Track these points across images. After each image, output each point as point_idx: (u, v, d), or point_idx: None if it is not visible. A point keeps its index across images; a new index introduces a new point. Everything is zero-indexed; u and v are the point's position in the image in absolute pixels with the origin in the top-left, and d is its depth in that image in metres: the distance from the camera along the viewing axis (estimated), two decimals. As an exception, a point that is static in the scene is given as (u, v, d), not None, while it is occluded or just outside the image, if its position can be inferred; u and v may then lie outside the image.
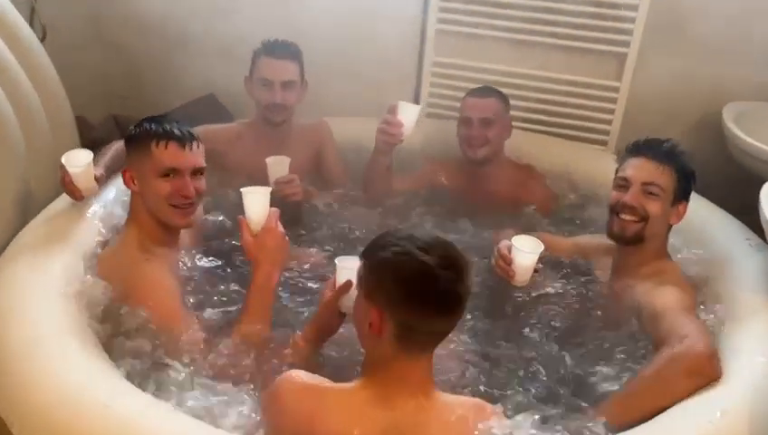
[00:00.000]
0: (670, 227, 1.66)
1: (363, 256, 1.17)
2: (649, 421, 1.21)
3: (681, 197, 1.64)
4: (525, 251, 1.59)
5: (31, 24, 2.50)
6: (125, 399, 1.15)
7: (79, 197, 1.70)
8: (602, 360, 1.48)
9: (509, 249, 1.62)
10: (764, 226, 1.51)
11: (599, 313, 1.67)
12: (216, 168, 2.05)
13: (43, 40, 2.55)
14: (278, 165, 1.89)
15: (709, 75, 2.34)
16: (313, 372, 1.20)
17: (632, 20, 2.32)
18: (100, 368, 1.23)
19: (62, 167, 1.68)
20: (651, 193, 1.61)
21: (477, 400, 1.25)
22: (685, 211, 1.65)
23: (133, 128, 1.57)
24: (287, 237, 1.46)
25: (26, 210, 2.04)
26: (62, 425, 1.10)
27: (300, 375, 1.18)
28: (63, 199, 1.76)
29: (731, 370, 1.27)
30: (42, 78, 2.20)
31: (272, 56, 2.00)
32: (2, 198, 1.96)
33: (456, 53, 2.56)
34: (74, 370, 1.20)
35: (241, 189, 1.46)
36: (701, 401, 1.21)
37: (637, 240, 1.63)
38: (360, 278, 1.17)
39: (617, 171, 1.70)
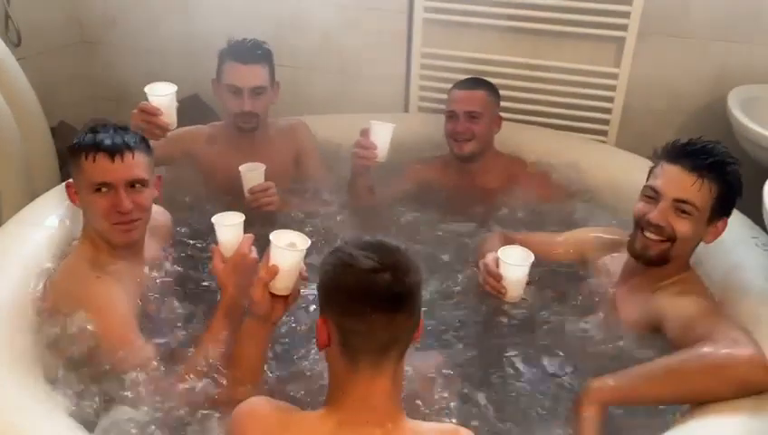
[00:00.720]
0: (699, 243, 1.47)
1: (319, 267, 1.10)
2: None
3: (720, 214, 1.44)
4: (514, 264, 1.46)
5: (5, 30, 2.44)
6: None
7: (161, 132, 1.67)
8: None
9: (496, 263, 1.49)
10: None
11: (601, 323, 1.52)
12: (192, 170, 1.99)
13: (17, 45, 2.50)
14: (252, 173, 1.80)
15: (713, 58, 2.20)
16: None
17: (629, 2, 2.18)
18: (37, 400, 1.15)
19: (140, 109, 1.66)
20: (683, 211, 1.41)
21: (451, 425, 1.16)
22: (724, 228, 1.45)
23: (75, 139, 1.47)
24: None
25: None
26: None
27: (260, 404, 1.11)
28: (25, 212, 1.67)
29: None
30: (12, 85, 2.13)
31: (239, 61, 1.88)
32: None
33: (444, 44, 2.45)
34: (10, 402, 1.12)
35: (212, 219, 1.37)
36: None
37: (660, 261, 1.46)
38: None
39: (648, 175, 1.49)
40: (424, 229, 1.96)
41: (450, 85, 2.25)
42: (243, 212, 1.40)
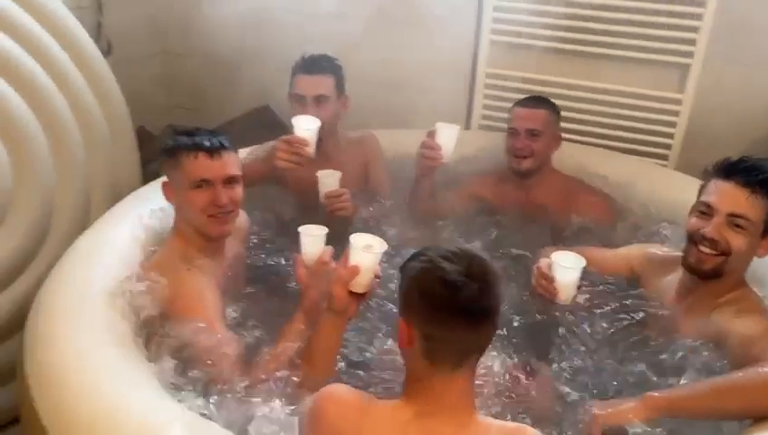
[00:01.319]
0: (752, 257, 1.50)
1: (400, 269, 1.17)
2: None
3: None
4: (566, 266, 1.53)
5: (97, 39, 2.62)
6: (165, 413, 1.18)
7: (304, 162, 1.82)
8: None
9: (549, 267, 1.56)
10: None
11: (656, 337, 1.56)
12: (277, 185, 2.09)
13: (108, 54, 2.67)
14: (329, 178, 1.90)
15: (778, 86, 2.22)
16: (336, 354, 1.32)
17: (696, 29, 2.22)
18: (143, 382, 1.25)
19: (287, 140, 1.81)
20: (738, 226, 1.44)
21: (518, 424, 1.21)
22: None
23: (167, 140, 1.60)
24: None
25: (85, 219, 2.14)
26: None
27: (342, 391, 1.18)
28: (118, 209, 1.81)
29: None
30: (105, 93, 2.29)
31: (305, 72, 1.99)
32: (63, 207, 2.05)
33: (509, 65, 2.52)
34: (119, 383, 1.23)
35: (299, 229, 1.49)
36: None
37: (714, 275, 1.48)
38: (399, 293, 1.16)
39: (699, 192, 1.54)
40: (479, 243, 2.01)
41: (511, 105, 2.33)
42: (320, 219, 1.52)
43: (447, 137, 1.93)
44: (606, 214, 2.09)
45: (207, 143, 1.53)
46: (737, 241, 1.44)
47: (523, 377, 1.39)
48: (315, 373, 1.36)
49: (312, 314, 1.46)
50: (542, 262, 1.59)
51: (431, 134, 1.95)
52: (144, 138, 2.76)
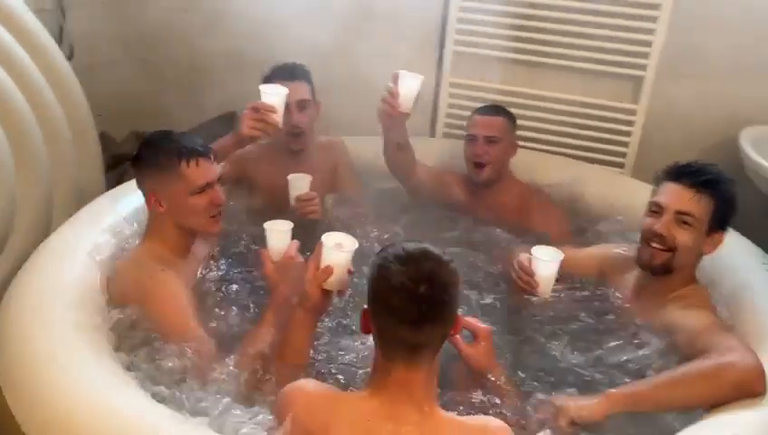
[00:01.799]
0: (701, 254, 1.62)
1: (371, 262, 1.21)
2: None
3: (718, 226, 1.59)
4: (546, 260, 1.59)
5: (59, 43, 2.58)
6: (138, 404, 1.18)
7: (272, 130, 1.77)
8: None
9: (529, 261, 1.61)
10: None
11: (618, 331, 1.64)
12: (244, 188, 2.11)
13: (70, 58, 2.64)
14: (299, 182, 1.93)
15: (726, 99, 2.35)
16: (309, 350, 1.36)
17: (649, 43, 2.34)
18: (114, 376, 1.26)
19: (254, 106, 1.76)
20: (684, 223, 1.56)
21: (482, 418, 1.25)
22: (721, 241, 1.60)
23: (146, 149, 1.59)
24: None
25: (48, 222, 2.10)
26: (78, 430, 1.12)
27: (310, 383, 1.23)
28: (84, 212, 1.81)
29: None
30: (67, 95, 2.27)
31: (286, 79, 2.00)
32: (25, 210, 2.02)
33: (472, 75, 2.60)
34: (90, 378, 1.23)
35: (264, 224, 1.51)
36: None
37: (665, 271, 1.59)
38: None
39: (652, 195, 1.66)
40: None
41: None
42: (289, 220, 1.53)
43: (407, 87, 1.88)
44: (557, 229, 2.13)
45: (201, 147, 1.56)
46: (683, 237, 1.56)
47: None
48: (290, 366, 1.38)
49: (282, 310, 1.47)
50: (522, 256, 1.65)
51: (394, 79, 1.93)
52: (106, 143, 2.73)
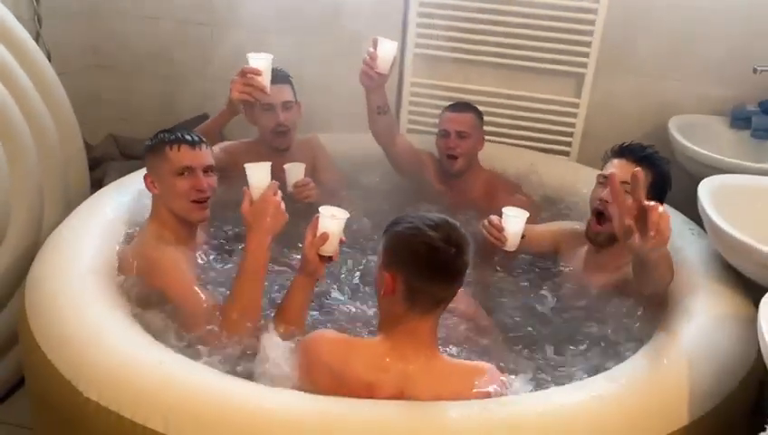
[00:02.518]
0: None
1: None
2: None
3: (656, 198, 1.74)
4: (515, 216, 1.79)
5: (38, 49, 2.68)
6: (173, 358, 1.35)
7: (260, 94, 1.90)
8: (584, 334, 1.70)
9: (498, 219, 1.82)
10: (702, 216, 1.76)
11: (572, 296, 1.87)
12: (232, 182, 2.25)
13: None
14: (295, 169, 2.08)
15: (657, 91, 2.63)
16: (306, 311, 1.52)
17: (588, 44, 2.60)
18: (144, 336, 1.43)
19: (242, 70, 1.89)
20: (627, 191, 1.77)
21: (476, 362, 1.45)
22: None
23: (149, 140, 1.77)
24: (283, 206, 1.57)
25: (40, 218, 2.21)
26: (123, 380, 1.29)
27: (330, 331, 1.43)
28: (93, 200, 1.98)
29: (679, 326, 1.53)
30: (52, 98, 2.35)
31: (270, 82, 2.13)
32: (19, 207, 2.11)
33: (432, 75, 2.81)
34: (128, 338, 1.40)
35: (245, 165, 1.58)
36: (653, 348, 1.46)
37: (612, 239, 1.76)
38: (379, 251, 1.38)
39: (601, 169, 1.87)
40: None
41: (435, 111, 2.59)
42: (288, 208, 1.63)
43: (385, 50, 2.10)
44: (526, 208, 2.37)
45: (189, 137, 1.72)
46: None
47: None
48: (288, 329, 1.50)
49: (258, 251, 1.53)
50: (492, 216, 1.85)
51: (374, 43, 2.12)
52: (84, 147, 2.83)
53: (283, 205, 1.56)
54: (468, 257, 1.33)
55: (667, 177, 1.83)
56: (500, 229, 1.81)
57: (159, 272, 1.62)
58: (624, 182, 1.74)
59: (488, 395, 1.30)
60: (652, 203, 1.37)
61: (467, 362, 1.46)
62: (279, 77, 2.20)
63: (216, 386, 1.27)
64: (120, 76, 3.17)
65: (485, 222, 1.85)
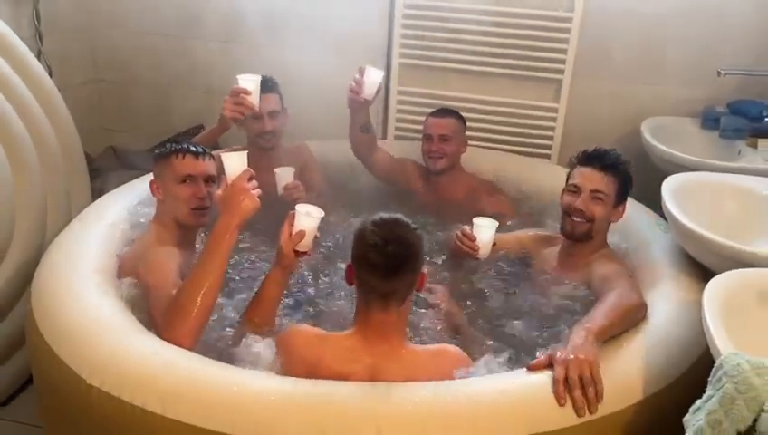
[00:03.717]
0: (610, 222, 1.96)
1: None
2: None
3: (621, 199, 1.93)
4: (486, 226, 1.90)
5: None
6: (169, 349, 1.46)
7: (248, 111, 2.05)
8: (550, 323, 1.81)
9: (470, 229, 1.92)
10: (664, 210, 1.87)
11: (542, 292, 1.97)
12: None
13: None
14: (285, 173, 2.20)
15: (630, 96, 2.75)
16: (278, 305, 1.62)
17: (564, 51, 2.71)
18: (141, 328, 1.54)
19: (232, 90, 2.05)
20: (597, 198, 1.88)
21: (440, 345, 1.55)
22: (624, 211, 1.95)
23: (158, 148, 1.90)
24: (255, 193, 1.57)
25: (43, 228, 2.30)
26: (123, 368, 1.40)
27: (306, 326, 1.53)
28: (96, 205, 2.11)
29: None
30: (54, 111, 2.46)
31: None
32: (23, 217, 2.20)
33: (417, 83, 2.92)
34: (127, 331, 1.52)
35: (221, 154, 1.66)
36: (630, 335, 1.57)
37: (586, 238, 1.92)
38: None
39: (568, 177, 1.97)
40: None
41: (421, 118, 2.69)
42: (278, 212, 1.75)
43: (370, 78, 2.24)
44: (505, 210, 2.45)
45: (193, 148, 1.85)
46: (598, 209, 1.90)
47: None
48: (260, 324, 1.58)
49: (222, 238, 1.51)
50: (463, 228, 1.95)
51: (361, 71, 2.27)
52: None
53: (256, 192, 1.56)
54: (409, 252, 1.39)
55: (629, 179, 1.94)
56: (472, 239, 1.91)
57: (147, 268, 1.69)
58: (594, 190, 1.89)
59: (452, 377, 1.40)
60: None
61: (431, 346, 1.56)
62: (266, 86, 2.30)
63: (209, 372, 1.38)
64: (119, 90, 3.28)
65: (458, 233, 1.94)
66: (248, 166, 1.64)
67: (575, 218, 1.92)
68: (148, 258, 1.72)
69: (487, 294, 2.00)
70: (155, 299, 1.58)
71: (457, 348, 1.52)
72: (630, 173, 1.95)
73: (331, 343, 1.47)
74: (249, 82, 2.10)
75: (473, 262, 1.98)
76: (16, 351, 2.23)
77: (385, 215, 1.45)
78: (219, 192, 1.57)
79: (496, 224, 1.92)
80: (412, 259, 1.41)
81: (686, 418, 1.12)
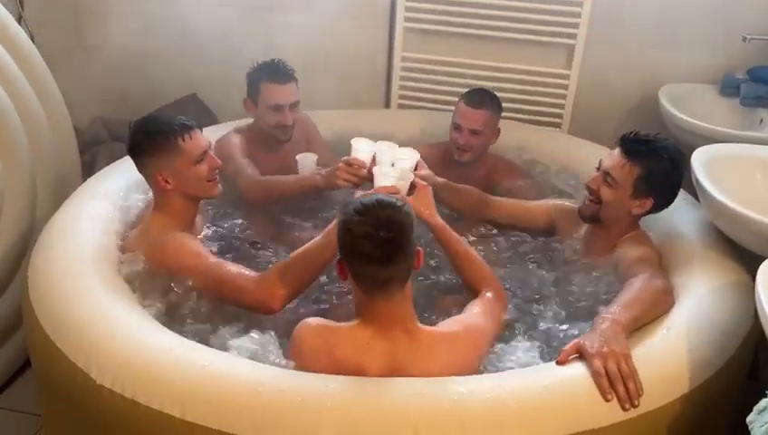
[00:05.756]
0: (632, 213, 1.78)
1: None
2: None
3: (643, 194, 1.74)
4: (363, 150, 1.83)
5: (20, 31, 2.63)
6: (183, 343, 1.37)
7: (361, 181, 1.90)
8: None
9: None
10: (695, 185, 1.79)
11: (569, 272, 1.87)
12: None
13: (31, 44, 2.69)
14: (307, 160, 2.11)
15: (647, 62, 2.64)
16: None
17: (578, 15, 2.60)
18: (152, 321, 1.45)
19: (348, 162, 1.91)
20: (607, 182, 1.76)
21: (455, 322, 1.47)
22: (650, 206, 1.76)
23: (144, 138, 1.70)
24: None
25: (33, 206, 2.19)
26: (137, 366, 1.30)
27: (313, 319, 1.43)
28: (90, 184, 1.98)
29: (677, 297, 1.57)
30: (41, 85, 2.33)
31: (277, 82, 2.14)
32: (11, 196, 2.09)
33: (422, 49, 2.80)
34: (137, 324, 1.41)
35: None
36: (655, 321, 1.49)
37: (594, 219, 1.80)
38: None
39: None
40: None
41: (425, 85, 2.59)
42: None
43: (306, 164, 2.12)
44: (530, 193, 2.27)
45: (189, 122, 1.71)
46: (607, 194, 1.76)
47: None
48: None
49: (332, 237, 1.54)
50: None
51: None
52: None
53: None
54: (401, 236, 1.31)
55: (659, 175, 1.75)
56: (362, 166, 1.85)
57: (168, 253, 1.62)
58: (606, 173, 1.77)
59: (476, 357, 1.36)
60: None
61: (445, 325, 1.47)
62: (286, 75, 2.18)
63: (231, 369, 1.29)
64: (105, 57, 3.11)
65: (341, 163, 1.88)
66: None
67: (587, 197, 1.83)
68: (170, 245, 1.64)
69: (509, 267, 1.92)
70: (208, 275, 1.59)
71: (471, 320, 1.46)
72: (664, 169, 1.74)
73: (342, 334, 1.39)
74: (365, 155, 1.91)
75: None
76: (11, 335, 2.14)
77: (365, 199, 1.35)
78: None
79: (417, 157, 1.86)
80: (406, 240, 1.33)
81: (751, 418, 1.05)
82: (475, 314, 1.51)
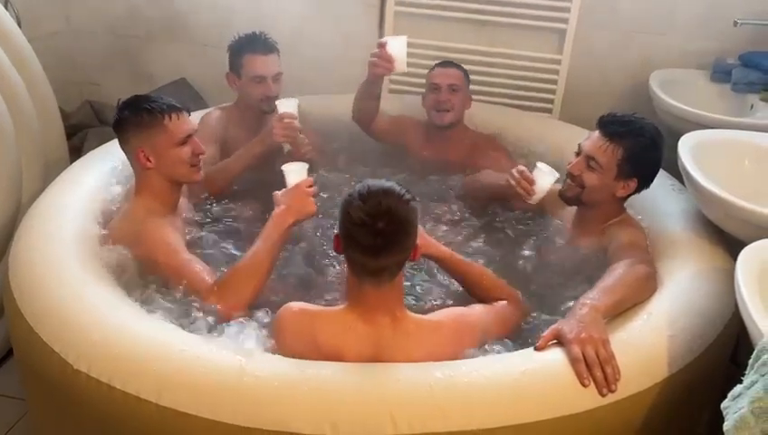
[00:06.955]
0: (616, 195, 1.77)
1: None
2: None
3: (628, 174, 1.72)
4: (547, 173, 1.81)
5: (6, 15, 2.60)
6: (163, 330, 1.36)
7: (297, 133, 2.03)
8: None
9: (530, 171, 1.84)
10: (681, 171, 1.77)
11: (557, 252, 1.89)
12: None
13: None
14: (295, 172, 2.07)
15: (637, 47, 2.62)
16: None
17: (570, -1, 2.58)
18: (134, 308, 1.44)
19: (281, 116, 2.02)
20: (590, 166, 1.73)
21: (441, 313, 1.46)
22: (634, 187, 1.74)
23: (132, 113, 1.69)
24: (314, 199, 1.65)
25: (19, 190, 2.17)
26: (113, 351, 1.29)
27: (295, 304, 1.41)
28: (74, 168, 1.96)
29: (660, 282, 1.57)
30: (26, 67, 2.31)
31: (260, 53, 2.14)
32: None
33: (413, 34, 2.74)
34: (117, 310, 1.40)
35: (282, 167, 1.72)
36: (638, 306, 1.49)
37: (576, 202, 1.79)
38: None
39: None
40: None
41: (416, 69, 2.55)
42: None
43: (397, 50, 2.13)
44: (507, 167, 2.29)
45: (179, 104, 1.70)
46: (590, 178, 1.74)
47: None
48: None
49: (277, 229, 1.61)
50: (521, 167, 1.87)
51: (381, 45, 2.15)
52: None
53: (315, 199, 1.65)
54: (404, 229, 1.28)
55: (642, 155, 1.73)
56: (531, 182, 1.83)
57: (147, 246, 1.61)
58: (589, 156, 1.75)
59: (460, 350, 1.35)
60: None
61: (434, 314, 1.46)
62: (268, 46, 2.18)
63: (208, 354, 1.28)
64: (93, 40, 3.09)
65: (514, 171, 1.86)
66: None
67: (568, 181, 1.81)
68: (147, 234, 1.63)
69: (499, 244, 1.95)
70: (173, 271, 1.58)
71: (464, 314, 1.44)
72: (646, 148, 1.73)
73: (325, 318, 1.38)
74: (290, 107, 2.05)
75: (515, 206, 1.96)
76: (-2, 319, 2.13)
77: (374, 184, 1.30)
78: (280, 192, 1.65)
79: (557, 175, 1.83)
80: (403, 235, 1.29)
81: (725, 404, 1.04)
82: (471, 309, 1.49)
